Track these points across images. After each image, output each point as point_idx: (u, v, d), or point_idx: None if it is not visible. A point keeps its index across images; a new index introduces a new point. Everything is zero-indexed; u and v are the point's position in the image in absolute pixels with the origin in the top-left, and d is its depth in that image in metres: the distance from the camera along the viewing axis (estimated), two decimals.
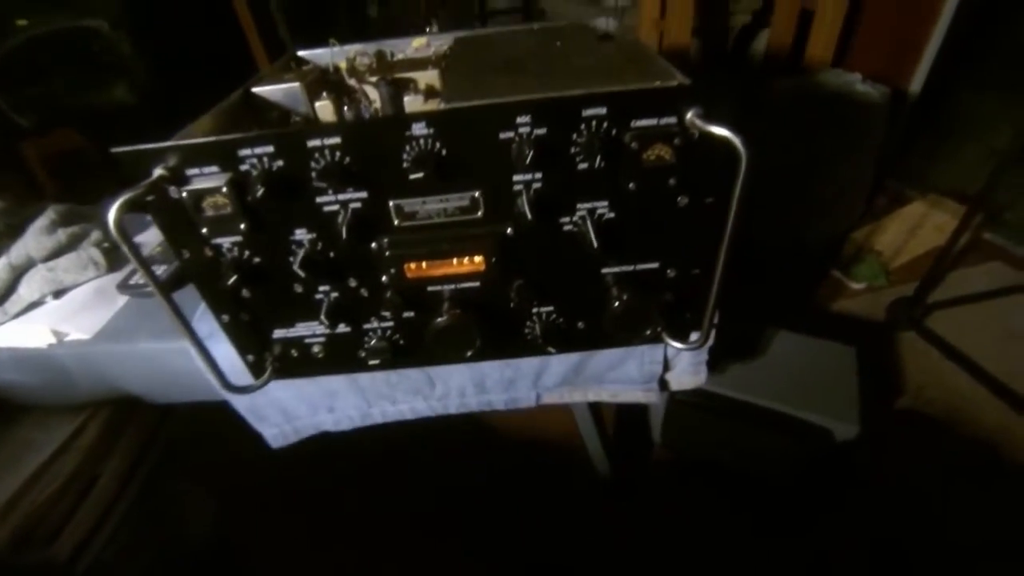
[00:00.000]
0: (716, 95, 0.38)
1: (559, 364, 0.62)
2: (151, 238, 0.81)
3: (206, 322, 0.57)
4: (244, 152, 0.40)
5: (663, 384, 0.66)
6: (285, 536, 1.05)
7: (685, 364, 0.64)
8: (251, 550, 1.02)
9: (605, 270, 0.49)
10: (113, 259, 0.75)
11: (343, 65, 0.67)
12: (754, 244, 1.40)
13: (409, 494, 1.09)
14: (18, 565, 0.61)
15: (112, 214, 0.38)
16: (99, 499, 0.70)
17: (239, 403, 0.66)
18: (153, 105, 1.99)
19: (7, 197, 0.76)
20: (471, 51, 0.59)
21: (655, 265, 0.49)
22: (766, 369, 0.86)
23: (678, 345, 0.51)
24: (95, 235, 0.76)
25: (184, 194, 0.41)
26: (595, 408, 0.84)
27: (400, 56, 0.68)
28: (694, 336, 0.54)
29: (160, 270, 0.71)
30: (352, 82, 0.58)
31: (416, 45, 0.69)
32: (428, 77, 0.57)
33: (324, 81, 0.62)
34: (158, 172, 0.40)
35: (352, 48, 0.68)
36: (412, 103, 0.53)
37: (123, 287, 0.70)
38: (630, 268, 0.49)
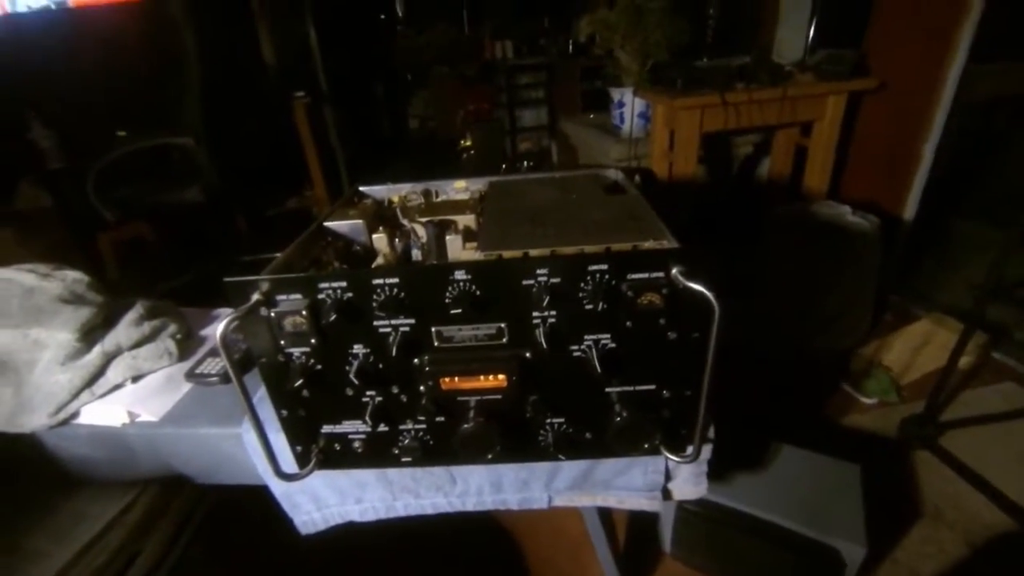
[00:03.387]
0: (699, 256, 0.49)
1: (570, 469, 0.68)
2: (216, 331, 0.94)
3: (259, 412, 0.66)
4: (323, 285, 0.51)
5: (666, 493, 0.71)
6: None
7: (686, 475, 0.70)
8: None
9: (609, 389, 0.57)
10: (183, 349, 0.87)
11: (396, 200, 0.82)
12: (760, 358, 1.47)
13: None
14: None
15: (220, 329, 0.50)
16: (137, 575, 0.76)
17: (276, 489, 0.73)
18: (216, 203, 2.27)
19: (103, 293, 0.90)
20: (501, 199, 0.73)
21: (652, 387, 0.57)
22: (772, 483, 0.89)
23: (674, 458, 0.58)
24: (172, 328, 0.89)
25: (272, 314, 0.52)
26: (607, 516, 0.87)
27: (443, 197, 0.83)
28: (690, 450, 0.61)
29: (223, 362, 0.82)
30: (405, 221, 0.72)
31: (457, 186, 0.84)
32: (466, 220, 0.70)
33: (380, 216, 0.77)
34: (255, 297, 0.51)
35: (404, 187, 0.83)
36: (452, 243, 0.66)
37: (190, 375, 0.81)
38: (630, 388, 0.57)
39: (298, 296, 0.52)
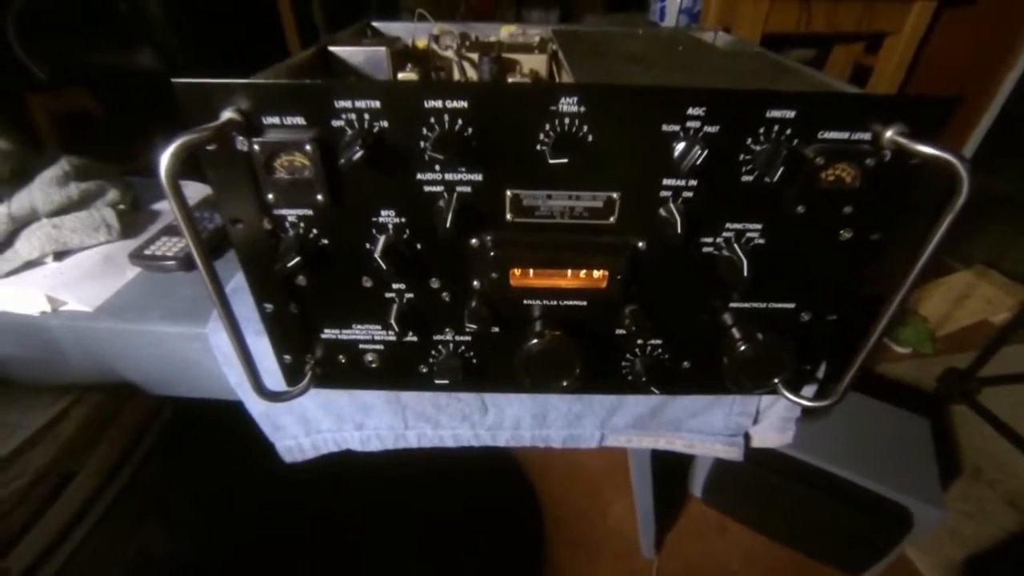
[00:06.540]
0: (940, 110, 0.31)
1: (636, 404, 0.54)
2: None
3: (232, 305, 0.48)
4: (342, 104, 0.32)
5: (746, 439, 0.58)
6: (267, 559, 0.93)
7: (774, 419, 0.56)
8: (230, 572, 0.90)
9: (734, 304, 0.41)
10: (128, 224, 0.67)
11: (421, 44, 0.60)
12: None
13: (412, 529, 0.98)
14: None
15: (165, 159, 0.30)
16: (71, 501, 0.60)
17: (254, 408, 0.57)
18: (175, 72, 1.91)
19: (13, 139, 0.67)
20: (580, 43, 0.52)
21: (791, 305, 0.41)
22: (833, 431, 0.78)
23: (803, 402, 0.43)
24: (111, 195, 0.67)
25: (256, 147, 0.33)
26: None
27: (492, 39, 0.61)
28: (809, 391, 0.47)
29: (184, 240, 0.63)
30: (449, 53, 0.51)
31: (506, 31, 0.63)
32: (534, 62, 0.49)
33: (406, 54, 0.55)
34: (227, 115, 0.32)
35: (437, 25, 0.61)
36: None
37: (137, 257, 0.61)
38: (761, 305, 0.41)
39: (299, 119, 0.32)
